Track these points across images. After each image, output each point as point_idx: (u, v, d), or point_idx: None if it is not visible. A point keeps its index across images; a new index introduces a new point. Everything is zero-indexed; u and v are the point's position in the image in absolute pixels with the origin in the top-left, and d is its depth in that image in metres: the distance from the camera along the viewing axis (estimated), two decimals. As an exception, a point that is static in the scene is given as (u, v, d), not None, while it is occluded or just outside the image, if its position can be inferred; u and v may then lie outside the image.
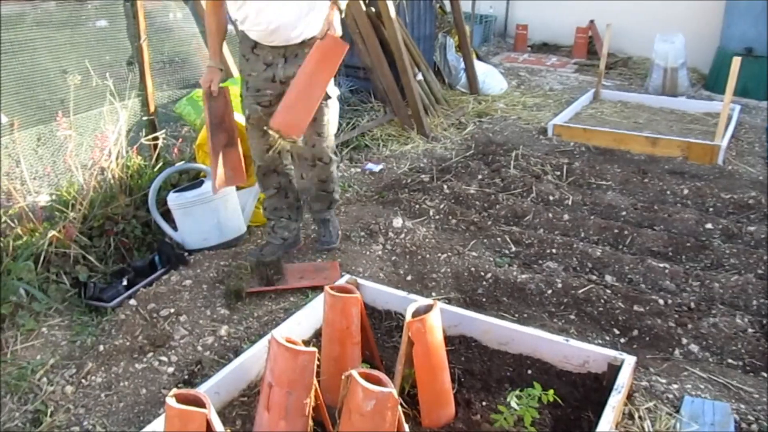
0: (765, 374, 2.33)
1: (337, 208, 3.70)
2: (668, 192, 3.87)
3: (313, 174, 3.04)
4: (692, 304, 2.66)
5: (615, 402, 1.94)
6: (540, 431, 1.93)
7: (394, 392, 1.55)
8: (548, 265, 3.06)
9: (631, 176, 4.06)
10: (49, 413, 2.13)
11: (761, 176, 4.13)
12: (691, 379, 2.24)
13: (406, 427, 1.67)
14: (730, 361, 2.41)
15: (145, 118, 3.65)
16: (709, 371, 2.30)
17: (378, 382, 1.57)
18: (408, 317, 1.92)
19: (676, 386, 2.20)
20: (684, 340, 2.48)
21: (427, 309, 1.95)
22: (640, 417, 2.03)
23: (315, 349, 1.74)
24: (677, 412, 2.06)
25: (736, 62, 4.17)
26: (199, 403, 1.55)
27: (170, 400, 1.53)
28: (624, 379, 2.04)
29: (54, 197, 3.08)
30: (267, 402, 1.78)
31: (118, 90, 3.39)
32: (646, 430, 1.98)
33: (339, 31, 2.57)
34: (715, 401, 2.11)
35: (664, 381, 2.23)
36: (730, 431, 1.98)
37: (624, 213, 3.60)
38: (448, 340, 2.35)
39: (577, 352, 2.21)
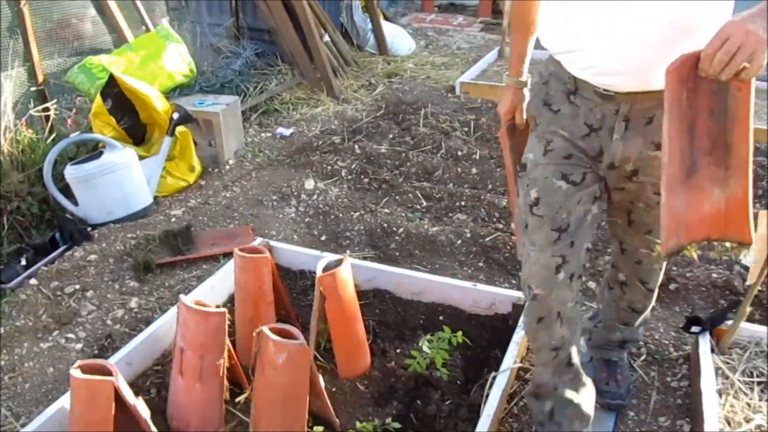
0: (653, 303, 2.53)
1: (248, 173, 3.65)
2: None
3: (626, 299, 1.95)
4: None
5: (519, 338, 2.06)
6: (451, 372, 2.02)
7: (305, 344, 1.58)
8: (458, 217, 3.17)
9: (535, 129, 4.22)
10: (-53, 402, 2.03)
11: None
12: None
13: (321, 378, 1.72)
14: (623, 293, 2.60)
15: (33, 88, 3.43)
16: (604, 304, 2.48)
17: (289, 335, 1.60)
18: (318, 273, 1.94)
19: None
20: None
21: (338, 263, 1.99)
22: (542, 350, 2.16)
23: (225, 310, 1.75)
24: (576, 343, 2.21)
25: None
26: (106, 372, 1.53)
27: (75, 372, 1.49)
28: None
29: (-65, 177, 2.87)
30: (180, 366, 1.77)
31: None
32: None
33: None
34: (609, 330, 2.28)
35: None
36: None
37: (528, 164, 3.75)
38: (363, 294, 2.40)
39: (484, 295, 2.32)
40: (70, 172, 3.01)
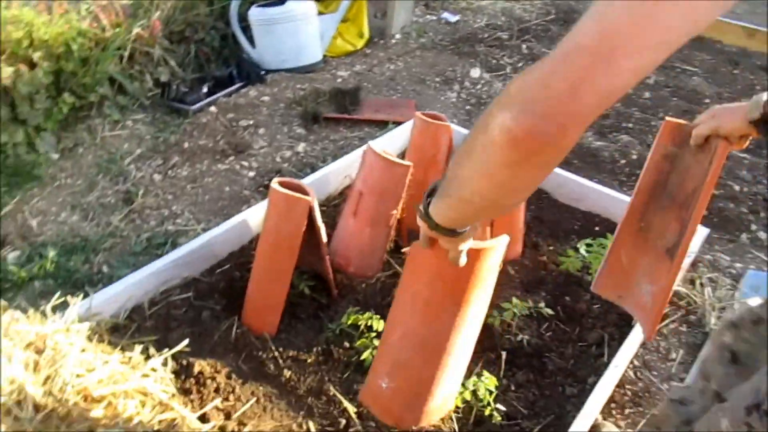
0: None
1: (412, 51, 3.62)
2: (758, 87, 3.69)
3: None
4: None
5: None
6: (604, 279, 2.00)
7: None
8: (623, 138, 3.02)
9: (721, 66, 3.86)
10: (139, 195, 2.26)
11: None
12: (756, 262, 2.27)
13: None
14: (794, 251, 2.42)
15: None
16: (773, 257, 2.33)
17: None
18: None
19: (739, 265, 2.23)
20: (753, 227, 2.48)
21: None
22: (701, 284, 2.09)
23: (410, 163, 1.78)
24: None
25: None
26: (301, 191, 1.62)
27: (275, 185, 1.60)
28: (693, 246, 2.08)
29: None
30: (355, 208, 1.85)
31: None
32: (706, 295, 2.04)
33: None
34: (775, 279, 2.15)
35: (728, 258, 2.26)
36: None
37: (708, 101, 3.46)
38: (521, 188, 2.38)
39: (648, 216, 2.24)
40: (255, 13, 3.10)
